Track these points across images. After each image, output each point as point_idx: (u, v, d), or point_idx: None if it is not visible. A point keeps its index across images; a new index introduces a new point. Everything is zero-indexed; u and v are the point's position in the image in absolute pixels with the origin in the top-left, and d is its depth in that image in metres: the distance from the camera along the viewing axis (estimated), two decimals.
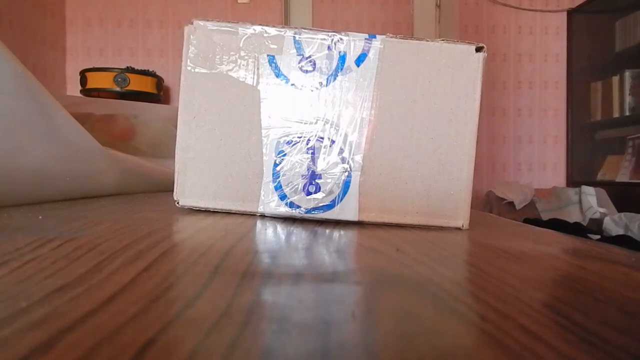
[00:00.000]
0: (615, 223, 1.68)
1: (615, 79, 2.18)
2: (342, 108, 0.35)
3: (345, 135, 0.35)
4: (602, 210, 1.91)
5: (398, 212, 0.34)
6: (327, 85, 0.35)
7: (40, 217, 0.31)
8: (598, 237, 1.55)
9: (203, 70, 0.35)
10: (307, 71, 0.35)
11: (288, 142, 0.35)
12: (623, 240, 1.43)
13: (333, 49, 0.34)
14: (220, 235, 0.26)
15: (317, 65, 0.35)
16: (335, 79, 0.35)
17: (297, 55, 0.35)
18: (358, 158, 0.34)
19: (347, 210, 0.34)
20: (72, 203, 0.41)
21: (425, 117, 0.34)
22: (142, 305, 0.13)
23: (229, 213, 0.35)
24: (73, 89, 2.22)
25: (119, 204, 0.42)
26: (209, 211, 0.36)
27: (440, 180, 0.34)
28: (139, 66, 2.09)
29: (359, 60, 0.34)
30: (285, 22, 2.31)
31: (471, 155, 0.34)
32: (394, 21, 2.38)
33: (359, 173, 0.34)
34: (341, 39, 0.34)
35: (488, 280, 0.17)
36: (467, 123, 0.34)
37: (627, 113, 2.13)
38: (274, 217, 0.35)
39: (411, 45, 0.34)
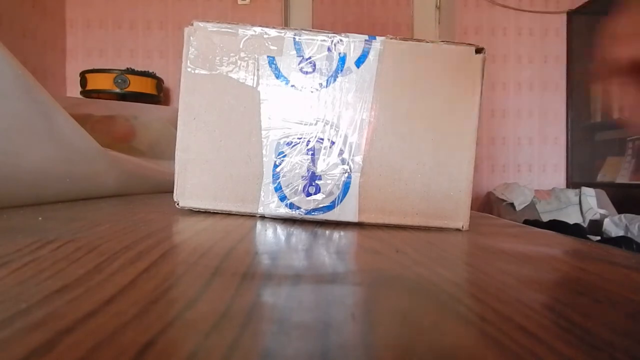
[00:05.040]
0: (615, 224, 1.68)
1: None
2: (342, 109, 0.35)
3: (345, 137, 0.35)
4: (602, 211, 1.91)
5: (398, 214, 0.34)
6: (327, 87, 0.35)
7: (40, 218, 0.31)
8: (598, 238, 1.55)
9: (203, 72, 0.35)
10: (307, 72, 0.35)
11: (288, 143, 0.35)
12: (623, 242, 1.43)
13: (333, 50, 0.35)
14: (220, 237, 0.26)
15: (317, 67, 0.35)
16: (335, 80, 0.35)
17: (297, 56, 0.35)
18: (358, 159, 0.34)
19: (347, 212, 0.34)
20: (72, 204, 0.41)
21: (425, 118, 0.34)
22: (142, 306, 0.13)
23: (228, 214, 0.35)
24: (73, 90, 2.22)
25: (119, 205, 0.42)
26: (209, 212, 0.36)
27: (440, 181, 0.34)
28: (139, 67, 2.09)
29: (359, 62, 0.34)
30: (285, 23, 2.31)
31: (471, 156, 0.34)
32: (394, 22, 2.38)
33: (359, 174, 0.34)
34: (341, 40, 0.34)
35: (488, 281, 0.17)
36: (467, 124, 0.34)
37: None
38: (274, 218, 0.35)
39: (411, 46, 0.34)
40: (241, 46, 0.35)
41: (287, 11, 2.33)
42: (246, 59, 0.35)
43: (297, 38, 0.35)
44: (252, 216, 0.35)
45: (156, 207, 0.41)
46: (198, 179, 0.35)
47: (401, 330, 0.12)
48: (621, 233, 1.63)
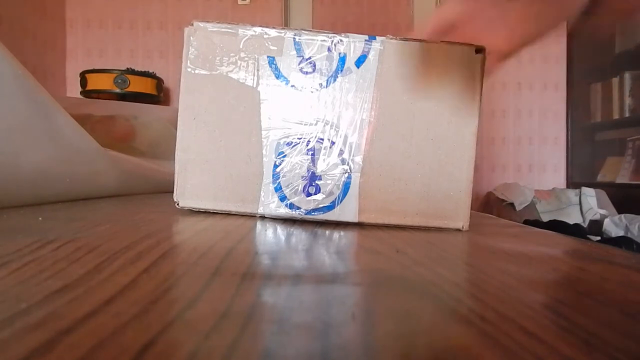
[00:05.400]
0: (615, 224, 1.68)
1: (615, 81, 2.18)
2: (342, 109, 0.35)
3: (345, 137, 0.35)
4: (602, 211, 1.91)
5: (398, 214, 0.34)
6: (326, 87, 0.35)
7: (40, 218, 0.31)
8: (598, 238, 1.55)
9: (203, 72, 0.35)
10: (307, 72, 0.35)
11: (288, 144, 0.35)
12: (623, 242, 1.43)
13: (333, 51, 0.35)
14: (220, 237, 0.26)
15: (317, 67, 0.35)
16: (335, 80, 0.35)
17: (297, 56, 0.35)
18: (358, 159, 0.34)
19: (347, 212, 0.34)
20: (72, 204, 0.41)
21: (425, 118, 0.34)
22: (142, 306, 0.13)
23: (228, 214, 0.35)
24: (73, 90, 2.22)
25: (119, 205, 0.42)
26: (209, 212, 0.36)
27: (440, 181, 0.34)
28: (139, 67, 2.09)
29: (359, 62, 0.34)
30: (285, 23, 2.31)
31: (471, 156, 0.34)
32: (394, 22, 2.38)
33: (359, 174, 0.34)
34: (341, 40, 0.34)
35: (488, 281, 0.17)
36: (466, 124, 0.34)
37: (627, 114, 2.13)
38: (274, 219, 0.35)
39: (411, 46, 0.34)
40: (241, 46, 0.35)
41: (287, 11, 2.33)
42: (246, 59, 0.35)
43: (297, 38, 0.35)
44: (252, 216, 0.35)
45: (156, 207, 0.41)
46: (198, 179, 0.35)
47: (401, 330, 0.12)
48: (621, 233, 1.63)
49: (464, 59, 0.34)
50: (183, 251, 0.21)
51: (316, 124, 0.35)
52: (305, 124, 0.35)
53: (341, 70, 0.35)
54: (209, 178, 0.35)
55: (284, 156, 0.35)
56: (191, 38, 0.35)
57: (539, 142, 2.44)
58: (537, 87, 2.43)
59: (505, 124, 2.42)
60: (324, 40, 0.35)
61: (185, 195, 0.35)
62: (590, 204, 1.94)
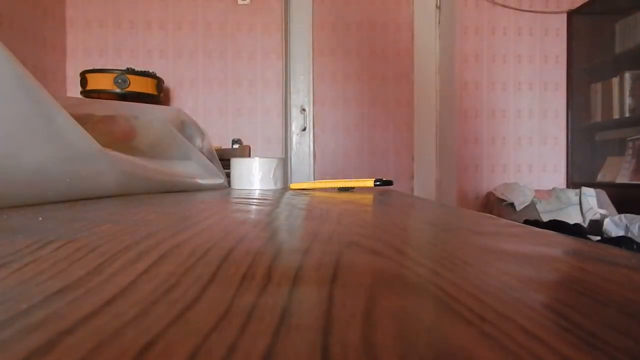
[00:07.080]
0: (615, 224, 1.68)
1: (615, 80, 2.18)
2: None
3: None
4: (602, 211, 1.91)
5: None
6: None
7: (40, 218, 0.31)
8: (598, 238, 1.55)
9: None
10: None
11: None
12: (623, 242, 1.43)
13: None
14: (220, 237, 0.26)
15: None
16: None
17: None
18: None
19: None
20: (72, 204, 0.41)
21: None
22: (142, 307, 0.13)
23: (225, 217, 0.35)
24: (73, 90, 2.22)
25: (119, 206, 0.42)
26: (210, 211, 0.35)
27: None
28: (139, 67, 2.09)
29: None
30: (285, 24, 2.32)
31: None
32: (394, 22, 2.38)
33: None
34: None
35: (488, 281, 0.17)
36: None
37: (627, 114, 2.13)
38: (275, 218, 0.35)
39: None
40: None
41: (287, 11, 2.33)
42: None
43: None
44: (251, 215, 0.35)
45: (156, 207, 0.41)
46: None
47: (401, 330, 0.12)
48: (621, 233, 1.63)
49: None
50: (183, 251, 0.21)
51: None
52: None
53: None
54: None
55: None
56: None
57: (539, 142, 2.44)
58: (537, 87, 2.43)
59: (505, 124, 2.43)
60: None
61: None
62: (590, 204, 1.94)
